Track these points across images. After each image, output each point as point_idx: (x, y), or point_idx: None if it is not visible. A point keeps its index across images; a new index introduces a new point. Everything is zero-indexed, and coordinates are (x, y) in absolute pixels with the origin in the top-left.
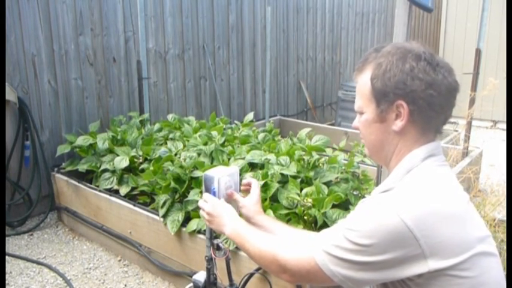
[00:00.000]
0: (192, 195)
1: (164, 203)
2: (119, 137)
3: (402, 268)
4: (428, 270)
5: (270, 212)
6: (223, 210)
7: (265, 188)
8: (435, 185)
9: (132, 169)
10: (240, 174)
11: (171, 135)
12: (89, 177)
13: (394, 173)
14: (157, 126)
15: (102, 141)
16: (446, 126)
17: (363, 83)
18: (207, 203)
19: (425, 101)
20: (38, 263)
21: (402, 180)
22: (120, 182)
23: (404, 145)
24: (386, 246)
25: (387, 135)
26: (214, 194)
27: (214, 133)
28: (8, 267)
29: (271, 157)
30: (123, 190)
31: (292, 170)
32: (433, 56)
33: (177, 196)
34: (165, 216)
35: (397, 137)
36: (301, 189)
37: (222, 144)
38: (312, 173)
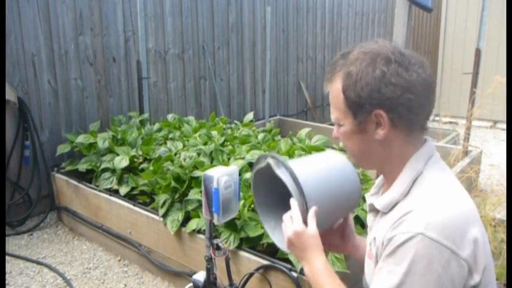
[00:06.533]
0: (192, 194)
1: (164, 203)
2: (119, 137)
3: None
4: None
5: None
6: (308, 242)
7: None
8: (456, 202)
9: (132, 169)
10: (240, 174)
11: (170, 135)
12: (88, 176)
13: (399, 184)
14: (157, 126)
15: (103, 141)
16: (446, 126)
17: (335, 94)
18: (292, 226)
19: (403, 106)
20: (38, 263)
21: (412, 193)
22: (120, 181)
23: (395, 151)
24: None
25: (371, 144)
26: (216, 193)
27: (214, 133)
28: (8, 267)
29: None
30: (123, 190)
31: None
32: (403, 55)
33: (177, 196)
34: (164, 216)
35: (382, 145)
36: None
37: (222, 144)
38: None
